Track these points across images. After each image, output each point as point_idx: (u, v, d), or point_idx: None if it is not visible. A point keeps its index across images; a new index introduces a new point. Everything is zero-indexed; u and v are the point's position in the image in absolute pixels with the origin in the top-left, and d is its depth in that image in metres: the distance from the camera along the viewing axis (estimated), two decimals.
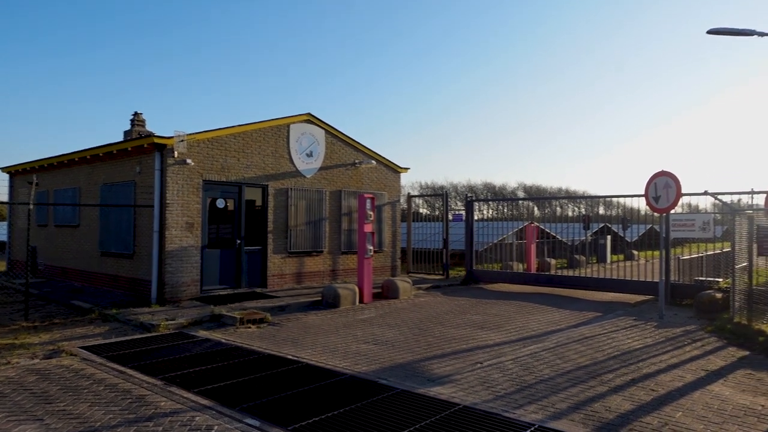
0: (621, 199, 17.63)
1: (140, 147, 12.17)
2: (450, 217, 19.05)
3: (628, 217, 20.28)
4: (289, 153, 14.34)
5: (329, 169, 15.45)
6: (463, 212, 18.34)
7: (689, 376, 6.54)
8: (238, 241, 13.18)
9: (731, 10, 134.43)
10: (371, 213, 12.90)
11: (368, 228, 12.78)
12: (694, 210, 15.33)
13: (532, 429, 4.83)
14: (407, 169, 18.12)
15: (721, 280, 12.81)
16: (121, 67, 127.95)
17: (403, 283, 13.66)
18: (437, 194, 32.31)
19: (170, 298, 11.64)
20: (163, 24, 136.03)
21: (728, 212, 10.63)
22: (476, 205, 21.68)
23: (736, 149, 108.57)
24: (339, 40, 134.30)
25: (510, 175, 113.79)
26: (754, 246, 9.75)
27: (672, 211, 11.37)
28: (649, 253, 29.64)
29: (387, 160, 17.26)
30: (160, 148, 11.65)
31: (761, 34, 13.59)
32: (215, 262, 12.77)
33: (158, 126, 37.01)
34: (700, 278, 13.39)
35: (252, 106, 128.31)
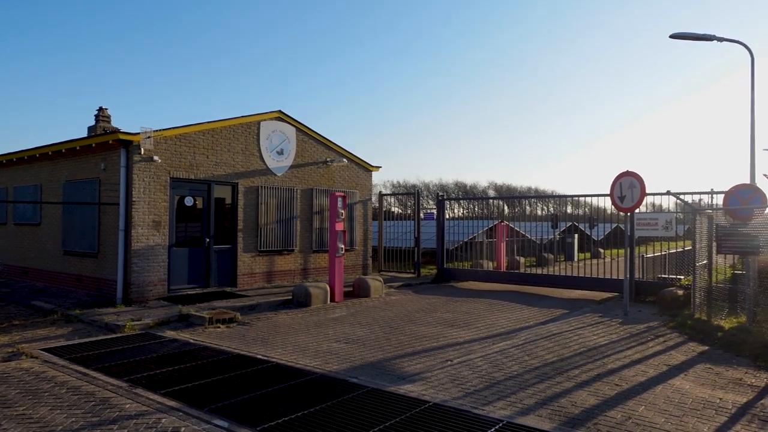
0: (588, 199, 18.04)
1: (105, 143, 11.85)
2: (421, 215, 19.13)
3: (595, 216, 20.71)
4: (259, 151, 14.18)
5: (300, 167, 15.35)
6: (435, 211, 18.46)
7: (652, 371, 6.73)
8: (207, 240, 12.98)
9: (693, 17, 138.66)
10: (342, 211, 12.87)
11: (340, 226, 12.75)
12: (657, 209, 15.76)
13: (501, 425, 4.90)
14: (379, 167, 18.13)
15: (682, 277, 13.22)
16: (86, 62, 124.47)
17: (374, 281, 13.67)
18: (409, 193, 32.47)
19: (136, 298, 11.39)
20: (131, 19, 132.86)
21: (689, 212, 10.97)
22: (447, 203, 21.83)
23: (697, 151, 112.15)
24: (310, 39, 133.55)
25: (481, 174, 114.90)
26: (714, 244, 10.09)
27: (636, 211, 11.67)
28: (615, 251, 30.36)
29: (358, 158, 17.24)
30: (125, 144, 11.38)
31: (721, 40, 14.08)
32: (183, 261, 12.54)
33: (125, 122, 36.14)
34: (663, 276, 13.80)
35: (222, 104, 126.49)
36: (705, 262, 10.50)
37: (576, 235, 27.43)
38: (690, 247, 12.15)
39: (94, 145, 12.22)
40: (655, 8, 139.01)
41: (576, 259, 26.06)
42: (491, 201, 38.78)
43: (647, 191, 10.95)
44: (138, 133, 11.39)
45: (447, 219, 18.79)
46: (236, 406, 5.41)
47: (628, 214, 11.36)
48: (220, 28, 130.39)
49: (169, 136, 12.13)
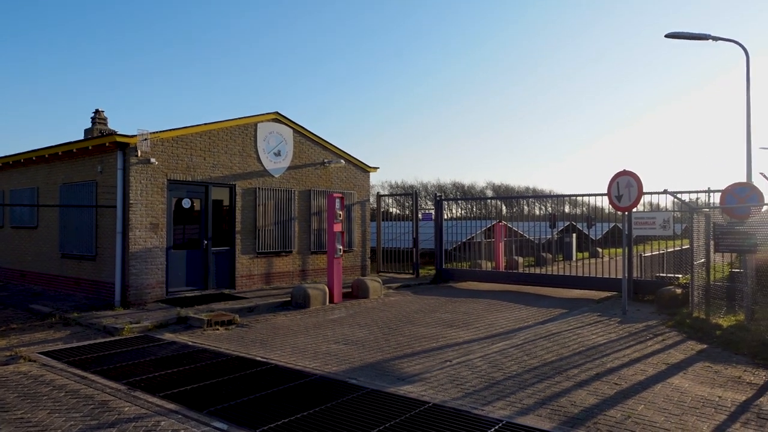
0: (586, 198, 18.06)
1: (102, 146, 11.83)
2: (420, 216, 19.14)
3: (593, 215, 20.73)
4: (256, 152, 14.17)
5: (298, 168, 15.34)
6: (433, 211, 18.46)
7: (651, 370, 6.73)
8: (205, 242, 12.96)
9: (689, 16, 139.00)
10: (341, 212, 12.86)
11: (338, 228, 12.74)
12: (655, 208, 15.80)
13: (500, 425, 4.89)
14: (376, 168, 18.13)
15: (680, 276, 13.24)
16: (82, 64, 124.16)
17: (373, 282, 13.66)
18: (407, 193, 32.42)
19: (135, 300, 11.36)
20: (127, 21, 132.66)
21: (687, 210, 10.98)
22: (445, 204, 21.82)
23: (694, 150, 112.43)
24: (307, 40, 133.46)
25: (479, 175, 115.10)
26: (711, 243, 10.10)
27: (634, 210, 11.68)
28: (613, 250, 30.41)
29: (356, 159, 17.23)
30: (122, 146, 11.35)
31: (716, 39, 14.11)
32: (182, 263, 12.52)
33: (121, 125, 36.06)
34: (661, 275, 13.82)
35: (219, 105, 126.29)
36: (703, 260, 10.51)
37: (574, 235, 27.45)
38: (688, 246, 12.17)
39: (90, 147, 12.18)
40: (651, 7, 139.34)
41: (574, 258, 26.08)
42: (489, 201, 38.79)
43: (644, 190, 10.96)
44: (135, 136, 11.36)
45: (445, 219, 18.78)
46: (235, 408, 5.40)
47: (626, 213, 11.37)
48: (216, 29, 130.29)
49: (166, 138, 12.11)
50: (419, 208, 19.49)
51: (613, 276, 14.34)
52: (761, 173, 11.38)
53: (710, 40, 14.04)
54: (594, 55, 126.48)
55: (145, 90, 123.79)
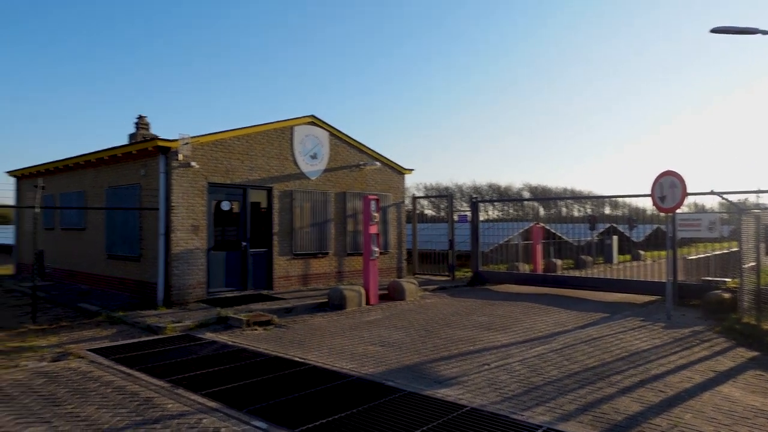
0: (627, 199, 17.58)
1: (145, 150, 12.20)
2: (455, 218, 19.01)
3: (635, 217, 20.17)
4: (293, 155, 14.36)
5: (333, 170, 15.46)
6: (468, 213, 18.31)
7: (698, 377, 6.49)
8: (244, 243, 13.20)
9: (735, 10, 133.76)
10: (376, 214, 12.89)
11: (373, 229, 12.78)
12: (700, 209, 15.25)
13: (541, 431, 4.80)
14: (412, 170, 18.11)
15: (728, 279, 12.73)
16: (124, 72, 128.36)
17: (409, 284, 13.63)
18: (442, 195, 32.30)
19: (177, 300, 11.67)
20: (166, 28, 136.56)
21: (735, 212, 10.57)
22: (481, 205, 21.61)
23: (742, 148, 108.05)
24: (342, 43, 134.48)
25: (515, 176, 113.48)
26: (762, 245, 9.68)
27: (678, 211, 11.30)
28: (656, 253, 29.45)
29: (391, 161, 17.26)
30: (164, 151, 11.68)
31: (765, 32, 13.52)
32: (221, 264, 12.79)
33: (162, 129, 37.11)
34: (708, 278, 13.31)
35: (255, 110, 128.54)
36: (753, 263, 10.08)
37: (615, 237, 26.72)
38: (736, 249, 11.69)
39: (134, 152, 12.58)
40: (695, 2, 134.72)
41: (615, 261, 25.42)
42: (526, 202, 38.23)
43: (689, 191, 10.60)
44: (176, 140, 11.68)
45: (481, 221, 18.60)
46: (274, 407, 5.47)
47: (670, 214, 11.01)
48: (250, 37, 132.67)
49: (206, 142, 12.40)
50: (454, 209, 19.38)
51: (656, 279, 13.89)
52: None
53: (758, 35, 13.46)
54: (636, 50, 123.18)
55: (179, 96, 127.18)
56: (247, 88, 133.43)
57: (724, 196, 11.16)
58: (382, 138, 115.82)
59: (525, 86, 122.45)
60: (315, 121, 14.98)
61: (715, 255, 15.54)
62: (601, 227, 31.71)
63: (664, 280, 12.22)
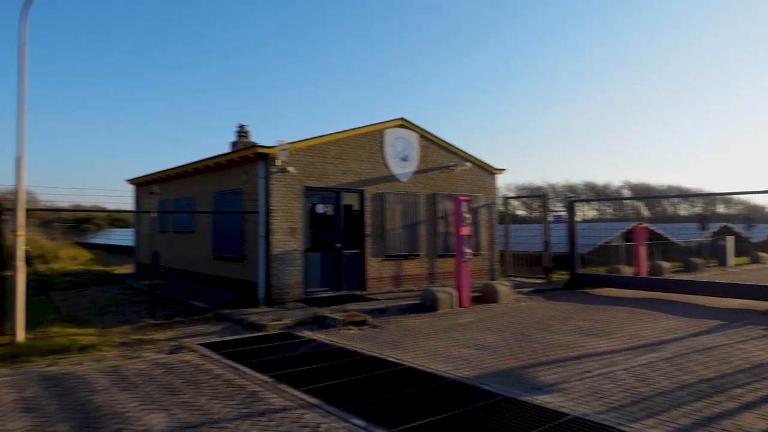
0: (743, 196, 16.03)
1: (246, 157, 12.93)
2: (550, 218, 18.34)
3: (753, 215, 18.36)
4: (384, 158, 14.56)
5: (424, 172, 15.49)
6: (563, 213, 17.60)
7: None
8: (338, 245, 13.58)
9: None
10: (467, 215, 12.75)
11: (465, 231, 12.64)
12: None
13: None
14: (503, 170, 17.72)
15: None
16: (220, 84, 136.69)
17: (502, 286, 13.34)
18: (535, 195, 31.29)
19: (276, 299, 12.24)
20: (260, 41, 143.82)
21: None
22: (577, 205, 20.68)
23: None
24: (430, 43, 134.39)
25: (613, 174, 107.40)
26: None
27: None
28: None
29: (481, 161, 16.99)
30: (263, 157, 12.31)
31: None
32: (316, 265, 13.25)
33: (257, 136, 39.08)
34: None
35: (344, 114, 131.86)
36: None
37: (731, 238, 24.48)
38: None
39: (237, 159, 13.38)
40: None
41: (731, 264, 23.28)
42: (626, 201, 36.09)
43: None
44: (274, 146, 12.26)
45: (577, 221, 17.79)
46: (371, 406, 5.57)
47: None
48: (338, 44, 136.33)
49: (301, 148, 12.90)
50: (548, 209, 18.69)
51: None
52: None
53: None
54: (746, 41, 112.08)
55: (275, 103, 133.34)
56: (335, 93, 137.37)
57: None
58: (472, 138, 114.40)
59: (622, 78, 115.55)
60: (405, 124, 15.10)
61: None
62: (714, 227, 29.18)
63: None
